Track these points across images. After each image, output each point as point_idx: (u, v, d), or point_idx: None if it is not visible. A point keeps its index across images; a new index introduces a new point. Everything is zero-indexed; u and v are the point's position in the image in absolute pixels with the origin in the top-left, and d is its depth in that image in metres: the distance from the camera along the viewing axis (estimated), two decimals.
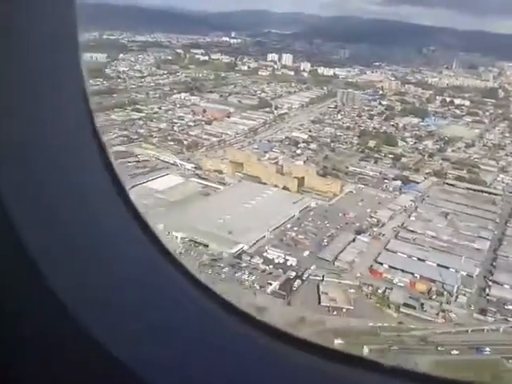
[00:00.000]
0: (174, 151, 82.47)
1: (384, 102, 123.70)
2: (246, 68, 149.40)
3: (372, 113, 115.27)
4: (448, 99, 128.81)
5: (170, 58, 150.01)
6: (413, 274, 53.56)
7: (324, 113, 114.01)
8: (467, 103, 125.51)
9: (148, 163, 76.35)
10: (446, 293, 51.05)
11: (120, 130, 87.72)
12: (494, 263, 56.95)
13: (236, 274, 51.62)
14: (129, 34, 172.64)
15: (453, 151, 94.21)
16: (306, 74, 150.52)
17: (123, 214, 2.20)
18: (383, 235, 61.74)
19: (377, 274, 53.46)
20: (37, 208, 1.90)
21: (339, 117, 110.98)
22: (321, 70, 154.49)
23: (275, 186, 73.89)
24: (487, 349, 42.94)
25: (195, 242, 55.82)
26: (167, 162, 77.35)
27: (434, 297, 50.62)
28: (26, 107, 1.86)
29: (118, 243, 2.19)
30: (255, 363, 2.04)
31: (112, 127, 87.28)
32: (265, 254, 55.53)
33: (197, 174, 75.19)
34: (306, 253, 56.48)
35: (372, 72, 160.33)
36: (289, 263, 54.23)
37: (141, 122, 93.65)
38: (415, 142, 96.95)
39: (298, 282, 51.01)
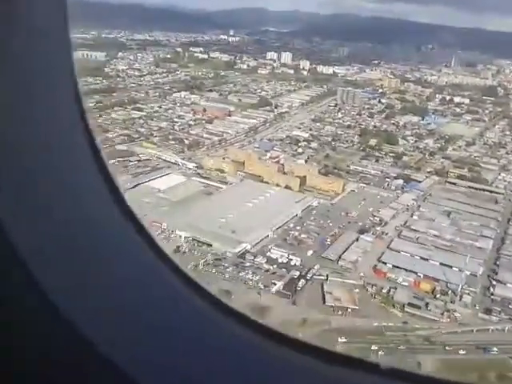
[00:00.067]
0: (175, 150, 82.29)
1: (384, 101, 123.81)
2: (245, 66, 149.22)
3: (372, 111, 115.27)
4: (448, 97, 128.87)
5: (168, 56, 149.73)
6: (416, 273, 53.52)
7: (324, 111, 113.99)
8: (467, 101, 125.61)
9: (149, 162, 76.12)
10: (450, 292, 51.01)
11: (121, 128, 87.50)
12: (498, 262, 56.95)
13: (240, 274, 51.45)
14: (127, 32, 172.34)
15: (453, 150, 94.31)
16: (305, 73, 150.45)
17: (117, 215, 2.17)
18: (386, 234, 61.69)
19: (381, 273, 53.40)
20: (28, 208, 1.85)
21: (339, 115, 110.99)
22: (320, 68, 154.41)
23: (277, 185, 73.80)
24: (494, 349, 42.88)
25: (198, 242, 55.65)
26: (169, 162, 77.11)
27: (438, 296, 50.54)
28: (20, 107, 1.83)
29: (113, 244, 2.16)
30: (252, 365, 2.02)
31: (113, 126, 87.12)
32: (268, 254, 55.40)
33: (198, 173, 75.02)
34: (310, 252, 56.38)
35: (371, 70, 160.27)
36: (292, 263, 54.10)
37: (141, 121, 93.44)
38: (416, 141, 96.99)
39: (302, 282, 50.88)
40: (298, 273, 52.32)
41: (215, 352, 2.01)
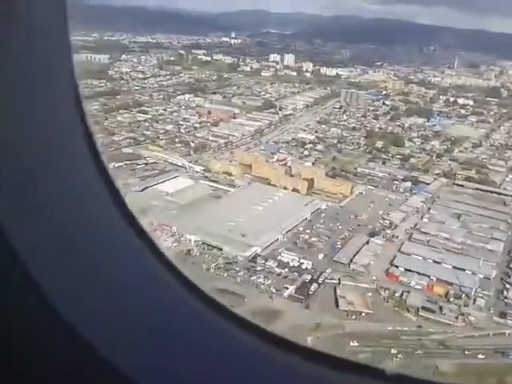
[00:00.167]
0: (182, 153, 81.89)
1: (388, 102, 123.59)
2: (248, 69, 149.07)
3: (377, 113, 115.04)
4: (452, 99, 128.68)
5: (172, 58, 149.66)
6: (429, 276, 53.08)
7: (329, 113, 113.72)
8: (471, 103, 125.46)
9: (156, 165, 75.70)
10: (463, 296, 50.59)
11: (126, 131, 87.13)
12: (511, 265, 56.52)
13: (251, 278, 51.01)
14: (129, 34, 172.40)
15: (460, 151, 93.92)
16: (308, 74, 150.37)
17: (117, 218, 2.16)
18: (397, 237, 61.26)
19: (393, 276, 52.96)
20: (28, 209, 1.85)
21: (344, 117, 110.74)
22: (323, 70, 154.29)
23: (285, 187, 73.40)
24: None
25: (209, 245, 55.24)
26: (175, 165, 76.69)
27: (451, 300, 50.09)
28: (20, 107, 1.83)
29: (113, 247, 2.14)
30: (253, 369, 2.03)
31: (119, 129, 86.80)
32: (279, 258, 54.97)
33: (206, 177, 74.61)
34: (321, 256, 55.93)
35: (374, 72, 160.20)
36: (304, 266, 53.67)
37: (147, 124, 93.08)
38: (422, 143, 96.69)
39: (314, 286, 50.43)
40: (309, 276, 51.89)
41: (216, 356, 2.00)
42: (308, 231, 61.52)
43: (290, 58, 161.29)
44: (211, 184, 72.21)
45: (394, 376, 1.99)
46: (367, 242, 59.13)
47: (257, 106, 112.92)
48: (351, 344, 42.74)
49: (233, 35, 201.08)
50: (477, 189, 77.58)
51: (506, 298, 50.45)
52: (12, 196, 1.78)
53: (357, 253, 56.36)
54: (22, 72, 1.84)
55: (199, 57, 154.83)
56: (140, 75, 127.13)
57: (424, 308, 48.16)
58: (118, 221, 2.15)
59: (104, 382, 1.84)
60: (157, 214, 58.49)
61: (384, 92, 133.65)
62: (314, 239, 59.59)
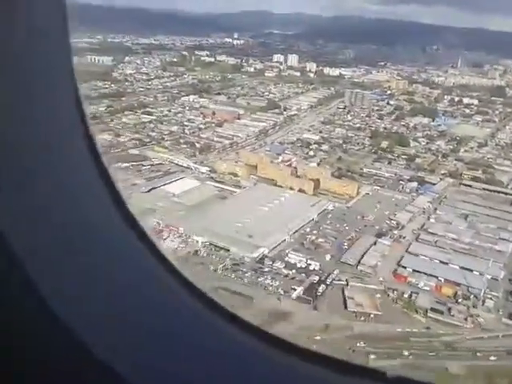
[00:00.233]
0: (187, 154, 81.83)
1: (392, 102, 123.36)
2: (252, 69, 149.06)
3: (382, 113, 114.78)
4: (456, 98, 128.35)
5: (175, 60, 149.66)
6: (437, 277, 52.83)
7: (333, 113, 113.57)
8: (476, 102, 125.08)
9: (162, 166, 75.63)
10: (472, 297, 50.32)
11: (132, 133, 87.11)
12: None
13: (259, 279, 50.84)
14: (132, 36, 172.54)
15: (466, 151, 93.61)
16: (312, 75, 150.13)
17: (118, 220, 2.14)
18: (404, 238, 61.04)
19: (401, 277, 52.71)
20: (27, 209, 1.83)
21: (349, 117, 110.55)
22: (326, 70, 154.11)
23: (291, 188, 73.25)
24: None
25: (216, 246, 55.11)
26: (181, 166, 76.63)
27: (460, 301, 49.82)
28: (20, 107, 1.83)
29: (113, 249, 2.13)
30: (254, 371, 2.02)
31: (124, 130, 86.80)
32: (286, 259, 54.79)
33: (212, 178, 74.49)
34: (328, 257, 55.73)
35: (377, 72, 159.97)
36: (311, 267, 53.48)
37: (152, 125, 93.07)
38: (427, 143, 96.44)
39: (322, 287, 50.24)
40: (317, 278, 51.69)
41: (217, 358, 1.99)
42: (315, 232, 61.33)
43: (293, 59, 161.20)
44: (217, 185, 72.11)
45: (395, 378, 1.97)
46: (374, 243, 58.89)
47: (261, 107, 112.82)
48: (359, 345, 42.66)
49: (235, 36, 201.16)
50: (484, 189, 77.28)
51: None
52: (11, 196, 1.76)
53: (364, 254, 56.15)
54: (22, 72, 1.83)
55: (202, 58, 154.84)
56: (144, 77, 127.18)
57: (433, 309, 47.91)
58: (117, 222, 2.14)
59: (103, 380, 1.82)
60: (163, 215, 58.55)
61: (388, 92, 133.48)
62: (321, 240, 59.41)
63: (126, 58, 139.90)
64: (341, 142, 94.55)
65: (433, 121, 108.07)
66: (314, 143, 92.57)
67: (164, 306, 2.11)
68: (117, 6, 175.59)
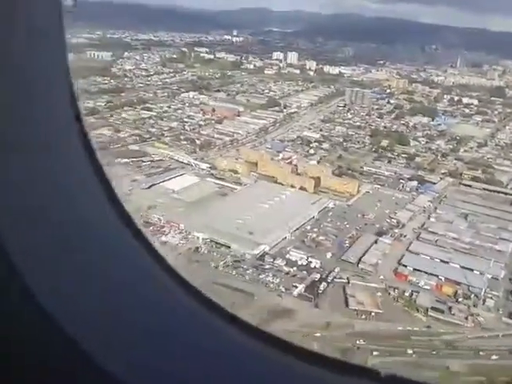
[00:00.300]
0: (187, 150, 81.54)
1: (392, 101, 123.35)
2: (251, 66, 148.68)
3: (381, 111, 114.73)
4: (456, 98, 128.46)
5: (175, 56, 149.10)
6: (438, 276, 52.82)
7: (333, 111, 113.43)
8: (475, 102, 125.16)
9: (162, 163, 75.35)
10: (472, 296, 50.35)
11: (131, 128, 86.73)
12: None
13: (260, 276, 50.71)
14: (131, 32, 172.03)
15: (465, 151, 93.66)
16: (311, 73, 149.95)
17: (113, 218, 2.15)
18: (404, 236, 61.00)
19: (402, 276, 52.69)
20: (23, 208, 1.83)
21: (349, 116, 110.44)
22: (326, 68, 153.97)
23: (291, 186, 73.11)
24: None
25: (216, 243, 54.96)
26: (181, 162, 76.35)
27: (460, 300, 49.83)
28: (20, 107, 1.84)
29: (109, 248, 2.13)
30: (249, 370, 2.02)
31: (124, 126, 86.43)
32: (287, 256, 54.68)
33: (212, 174, 74.27)
34: (329, 254, 55.63)
35: (377, 70, 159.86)
36: (312, 265, 53.37)
37: (151, 121, 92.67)
38: (427, 142, 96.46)
39: (323, 285, 50.16)
40: (318, 275, 51.60)
41: (212, 357, 1.99)
42: (316, 230, 61.25)
43: (293, 56, 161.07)
44: (217, 182, 71.91)
45: (389, 377, 1.98)
46: (375, 241, 58.84)
47: (261, 104, 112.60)
48: (359, 343, 42.67)
49: (234, 33, 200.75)
50: (484, 189, 77.31)
51: None
52: (9, 195, 1.76)
53: (365, 252, 56.10)
54: (22, 72, 1.84)
55: (202, 55, 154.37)
56: (143, 73, 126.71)
57: (433, 308, 47.91)
58: (113, 220, 2.14)
59: (100, 383, 1.81)
60: (163, 212, 58.36)
61: (388, 91, 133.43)
62: (321, 238, 59.34)
63: (126, 54, 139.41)
64: (341, 140, 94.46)
65: (432, 120, 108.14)
66: (315, 141, 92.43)
67: (159, 305, 2.10)
68: (116, 1, 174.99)
